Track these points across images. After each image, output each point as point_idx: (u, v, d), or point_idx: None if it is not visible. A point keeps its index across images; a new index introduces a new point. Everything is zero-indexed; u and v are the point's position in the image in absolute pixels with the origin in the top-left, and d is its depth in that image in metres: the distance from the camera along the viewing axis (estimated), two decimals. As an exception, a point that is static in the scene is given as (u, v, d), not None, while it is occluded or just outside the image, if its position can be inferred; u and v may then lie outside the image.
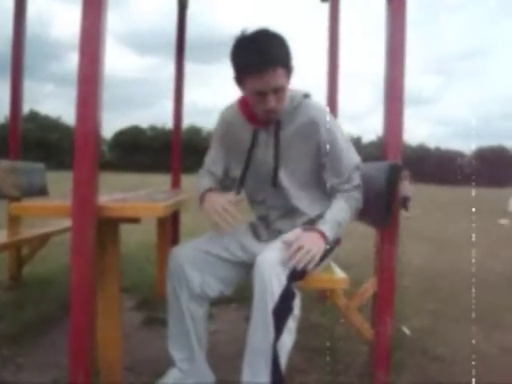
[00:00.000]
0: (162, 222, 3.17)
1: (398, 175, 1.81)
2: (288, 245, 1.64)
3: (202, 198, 1.87)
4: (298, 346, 2.40)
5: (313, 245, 1.64)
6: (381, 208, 1.84)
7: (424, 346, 2.42)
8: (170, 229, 3.37)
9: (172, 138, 3.75)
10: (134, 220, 1.77)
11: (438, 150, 71.40)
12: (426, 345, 2.46)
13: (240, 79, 1.75)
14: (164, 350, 2.35)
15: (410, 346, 2.45)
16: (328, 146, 1.80)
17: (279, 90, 1.70)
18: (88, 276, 1.62)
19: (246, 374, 1.63)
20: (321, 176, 1.86)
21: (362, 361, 2.13)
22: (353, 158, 1.86)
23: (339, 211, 1.79)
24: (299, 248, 1.60)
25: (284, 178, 1.85)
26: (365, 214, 1.91)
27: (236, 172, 1.94)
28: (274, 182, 1.85)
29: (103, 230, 1.79)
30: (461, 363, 2.29)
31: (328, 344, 2.41)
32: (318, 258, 1.65)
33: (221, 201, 1.75)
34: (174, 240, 3.59)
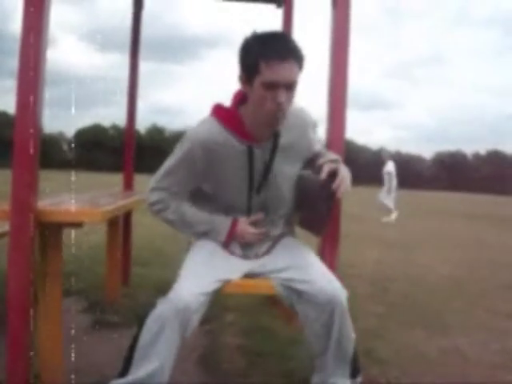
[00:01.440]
0: (112, 224, 3.15)
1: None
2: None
3: (230, 234, 1.86)
4: (243, 350, 2.46)
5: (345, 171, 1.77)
6: (319, 213, 1.85)
7: (368, 348, 2.47)
8: (121, 231, 3.34)
9: (125, 138, 3.70)
10: (76, 224, 1.76)
11: (398, 153, 72.77)
12: (370, 347, 2.52)
13: (252, 71, 1.65)
14: (111, 353, 2.35)
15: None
16: (316, 146, 1.88)
17: (291, 88, 1.66)
18: (25, 280, 1.61)
19: None
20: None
21: (307, 365, 2.16)
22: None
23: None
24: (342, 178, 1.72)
25: (276, 186, 1.84)
26: (304, 220, 1.93)
27: (211, 187, 1.87)
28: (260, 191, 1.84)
29: (45, 234, 1.78)
30: (402, 365, 2.36)
31: (273, 348, 2.45)
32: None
33: (250, 230, 1.85)
34: (126, 242, 3.56)
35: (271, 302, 3.11)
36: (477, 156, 72.42)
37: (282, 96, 1.63)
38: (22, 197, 1.58)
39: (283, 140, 1.78)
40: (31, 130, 1.59)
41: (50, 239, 1.80)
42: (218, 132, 1.75)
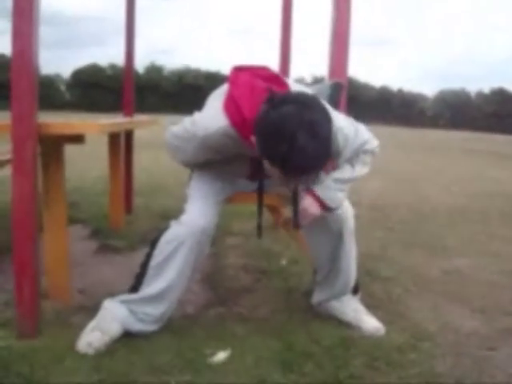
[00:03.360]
0: (114, 149, 3.13)
1: (340, 93, 1.83)
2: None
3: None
4: (247, 268, 2.50)
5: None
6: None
7: (369, 268, 2.52)
8: (122, 157, 3.33)
9: (124, 72, 3.62)
10: (78, 139, 1.74)
11: (400, 91, 71.73)
12: (371, 267, 2.56)
13: (269, 162, 1.49)
14: (117, 273, 2.40)
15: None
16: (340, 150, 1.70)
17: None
18: (29, 194, 1.60)
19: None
20: None
21: (308, 280, 2.20)
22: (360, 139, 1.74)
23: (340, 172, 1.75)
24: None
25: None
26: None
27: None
28: None
29: (46, 150, 1.77)
30: (403, 283, 2.40)
31: (276, 267, 2.50)
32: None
33: None
34: (127, 170, 3.56)
35: (273, 225, 3.14)
36: (480, 94, 71.36)
37: (293, 186, 1.69)
38: (22, 108, 1.55)
39: None
40: (27, 40, 1.55)
41: (51, 155, 1.79)
42: (230, 137, 1.60)
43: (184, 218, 1.71)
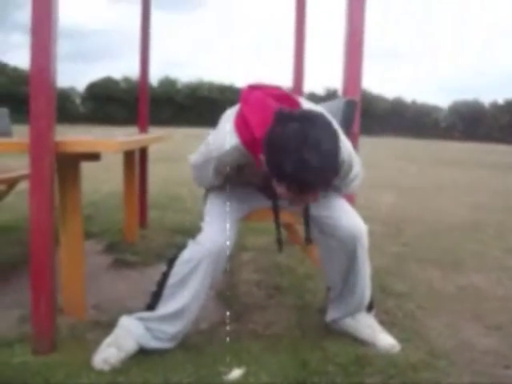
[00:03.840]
0: (128, 165, 3.17)
1: (354, 110, 1.84)
2: None
3: None
4: (260, 284, 2.50)
5: None
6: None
7: (383, 284, 2.51)
8: (137, 172, 3.37)
9: (139, 89, 3.67)
10: (94, 157, 1.77)
11: (414, 103, 71.54)
12: (385, 283, 2.55)
13: (275, 177, 1.49)
14: (131, 289, 2.41)
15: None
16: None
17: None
18: (46, 211, 1.62)
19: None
20: None
21: (322, 296, 2.20)
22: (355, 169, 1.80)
23: None
24: None
25: None
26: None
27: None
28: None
29: (63, 168, 1.79)
30: (418, 299, 2.39)
31: (290, 282, 2.50)
32: None
33: None
34: (142, 184, 3.60)
35: (287, 241, 3.13)
36: (494, 105, 70.90)
37: (305, 202, 1.63)
38: (40, 127, 1.58)
39: None
40: (46, 60, 1.58)
41: (68, 173, 1.82)
42: (243, 154, 1.61)
43: (201, 237, 1.72)
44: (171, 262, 1.73)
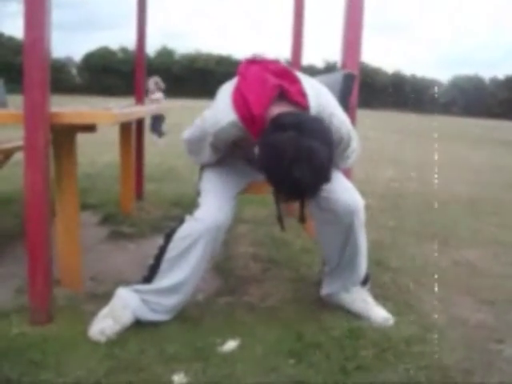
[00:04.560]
0: (125, 137, 3.15)
1: (353, 84, 1.82)
2: None
3: None
4: (256, 258, 2.51)
5: None
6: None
7: (379, 258, 2.52)
8: (133, 144, 3.35)
9: (136, 56, 3.62)
10: (90, 128, 1.75)
11: (413, 77, 70.96)
12: (382, 257, 2.56)
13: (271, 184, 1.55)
14: (128, 260, 2.42)
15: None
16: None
17: None
18: (41, 182, 1.61)
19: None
20: None
21: (318, 270, 2.21)
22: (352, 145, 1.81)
23: None
24: None
25: None
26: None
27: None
28: None
29: (58, 139, 1.78)
30: (413, 274, 2.40)
31: (286, 256, 2.51)
32: None
33: None
34: (138, 157, 3.58)
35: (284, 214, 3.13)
36: (495, 80, 70.41)
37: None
38: (35, 97, 1.56)
39: None
40: (40, 30, 1.55)
41: (63, 144, 1.81)
42: (240, 129, 1.61)
43: (198, 213, 1.71)
44: (168, 237, 1.73)
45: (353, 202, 1.78)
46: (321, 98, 1.63)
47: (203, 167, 1.91)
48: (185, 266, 1.70)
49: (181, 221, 1.74)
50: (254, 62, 1.64)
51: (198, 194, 1.81)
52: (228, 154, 1.80)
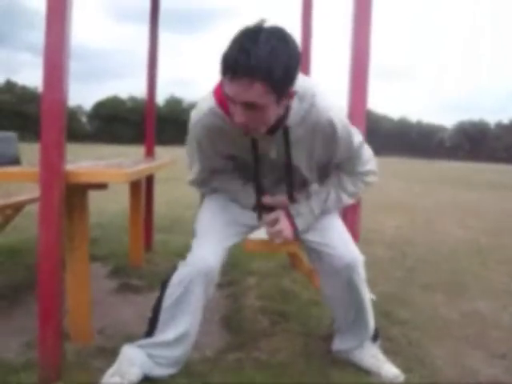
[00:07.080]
0: (135, 191, 3.20)
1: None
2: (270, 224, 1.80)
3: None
4: (265, 311, 2.50)
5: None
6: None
7: (388, 310, 2.51)
8: (143, 195, 3.40)
9: (146, 108, 3.72)
10: (102, 186, 1.80)
11: (419, 123, 71.62)
12: (390, 309, 2.55)
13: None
14: (136, 314, 2.42)
15: (373, 309, 2.54)
16: (345, 147, 1.71)
17: (254, 108, 1.39)
18: (55, 239, 1.65)
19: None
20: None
21: (327, 324, 2.21)
22: (366, 153, 1.82)
23: (327, 194, 1.82)
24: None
25: (297, 169, 1.77)
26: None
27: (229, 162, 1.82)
28: (289, 175, 1.78)
29: (71, 196, 1.82)
30: (422, 326, 2.39)
31: (294, 308, 2.49)
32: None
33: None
34: (148, 208, 3.62)
35: (291, 265, 3.15)
36: (500, 125, 70.90)
37: (239, 115, 1.42)
38: (51, 159, 1.61)
39: (302, 131, 1.63)
40: (58, 93, 1.62)
41: (76, 202, 1.85)
42: (219, 117, 1.59)
43: (190, 258, 1.72)
44: (164, 286, 1.75)
45: (351, 259, 1.78)
46: (309, 81, 1.63)
47: (200, 208, 1.93)
48: (183, 317, 1.71)
49: (174, 268, 1.75)
50: None
51: (193, 234, 1.83)
52: (219, 176, 1.84)
